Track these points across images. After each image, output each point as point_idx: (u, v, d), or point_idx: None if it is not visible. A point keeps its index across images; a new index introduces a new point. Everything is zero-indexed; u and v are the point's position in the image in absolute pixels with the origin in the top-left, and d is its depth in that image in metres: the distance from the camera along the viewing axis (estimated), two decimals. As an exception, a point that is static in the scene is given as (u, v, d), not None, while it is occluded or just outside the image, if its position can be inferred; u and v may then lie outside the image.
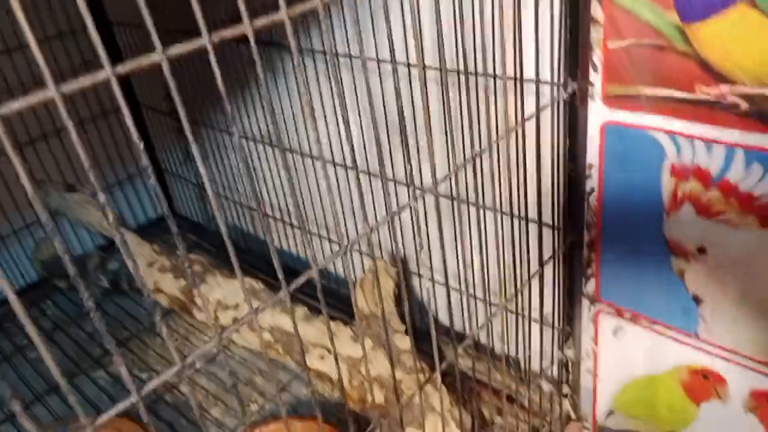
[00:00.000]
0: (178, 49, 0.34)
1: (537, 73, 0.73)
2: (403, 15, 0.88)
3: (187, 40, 0.35)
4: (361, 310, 0.95)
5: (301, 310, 0.96)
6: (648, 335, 0.87)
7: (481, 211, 0.68)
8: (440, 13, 0.51)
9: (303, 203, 1.21)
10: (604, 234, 0.84)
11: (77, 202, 1.19)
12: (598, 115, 0.76)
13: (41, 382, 1.24)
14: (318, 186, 1.17)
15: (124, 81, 1.50)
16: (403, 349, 0.86)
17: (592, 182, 0.82)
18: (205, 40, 0.35)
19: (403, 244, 1.09)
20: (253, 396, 1.12)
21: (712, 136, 0.68)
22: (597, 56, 0.73)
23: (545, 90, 0.77)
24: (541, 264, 0.82)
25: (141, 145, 0.36)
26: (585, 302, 0.92)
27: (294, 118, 1.15)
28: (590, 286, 0.90)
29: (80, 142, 0.32)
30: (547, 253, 0.86)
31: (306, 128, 1.12)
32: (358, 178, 0.50)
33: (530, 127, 0.76)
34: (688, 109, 0.69)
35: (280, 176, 1.24)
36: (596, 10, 0.71)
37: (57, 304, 1.49)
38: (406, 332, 0.90)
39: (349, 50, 0.98)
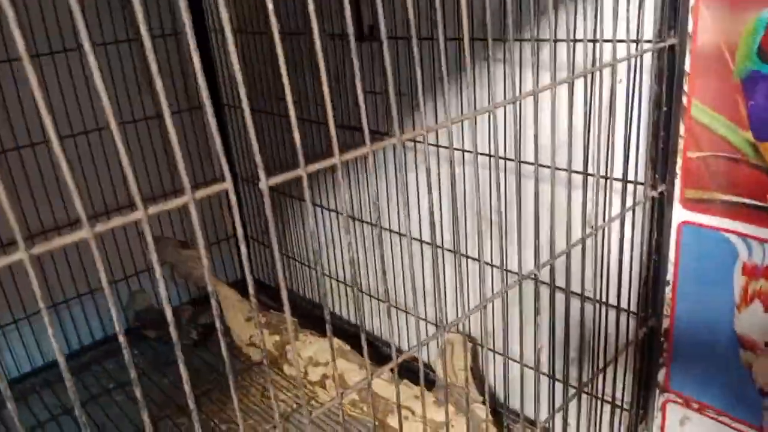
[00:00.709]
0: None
1: (625, 174, 0.84)
2: (505, 115, 1.01)
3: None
4: (441, 379, 1.03)
5: (385, 373, 1.04)
6: (714, 427, 0.91)
7: (563, 295, 0.77)
8: (538, 115, 0.63)
9: (394, 282, 1.31)
10: (676, 325, 0.92)
11: (189, 258, 1.32)
12: (676, 215, 0.86)
13: (126, 424, 1.34)
14: (402, 263, 1.27)
15: (226, 152, 1.68)
16: (482, 418, 0.93)
17: (668, 275, 0.90)
18: (336, 160, 0.47)
19: (483, 321, 1.18)
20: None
21: (782, 240, 0.77)
22: (677, 164, 0.83)
23: (633, 188, 0.87)
24: (618, 349, 0.89)
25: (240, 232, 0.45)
26: (654, 390, 0.98)
27: (387, 200, 1.28)
28: (660, 375, 0.96)
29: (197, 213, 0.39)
30: (624, 339, 0.93)
31: (398, 210, 1.24)
32: (456, 262, 0.61)
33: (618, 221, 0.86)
34: (759, 215, 0.78)
35: (372, 254, 1.36)
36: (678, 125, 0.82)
37: (142, 352, 1.60)
38: (484, 403, 0.97)
39: (463, 145, 1.11)
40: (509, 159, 1.02)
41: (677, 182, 0.84)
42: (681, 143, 0.82)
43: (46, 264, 1.46)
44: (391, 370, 0.56)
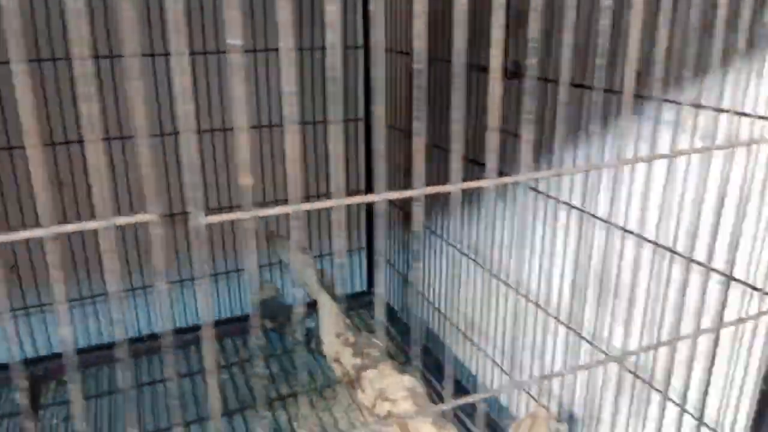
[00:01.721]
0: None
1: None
2: (630, 191, 0.89)
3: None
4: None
5: (453, 430, 0.97)
6: None
7: (659, 396, 0.65)
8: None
9: (495, 330, 1.23)
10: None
11: (302, 263, 1.35)
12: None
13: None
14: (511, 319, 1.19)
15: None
16: None
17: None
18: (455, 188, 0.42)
19: (573, 401, 1.06)
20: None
21: None
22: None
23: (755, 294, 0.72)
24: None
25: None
26: None
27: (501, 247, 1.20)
28: None
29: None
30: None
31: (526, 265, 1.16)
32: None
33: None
34: None
35: (484, 299, 1.29)
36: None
37: (260, 338, 1.68)
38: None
39: (597, 210, 1.01)
40: (630, 232, 0.89)
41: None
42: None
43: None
44: None
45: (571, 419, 1.07)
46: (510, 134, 1.12)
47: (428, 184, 0.43)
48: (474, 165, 1.24)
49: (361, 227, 1.82)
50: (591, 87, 0.92)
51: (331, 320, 1.23)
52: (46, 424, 1.38)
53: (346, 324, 1.22)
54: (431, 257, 1.52)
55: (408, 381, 1.07)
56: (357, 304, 1.82)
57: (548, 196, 1.10)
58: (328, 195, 1.70)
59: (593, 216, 0.99)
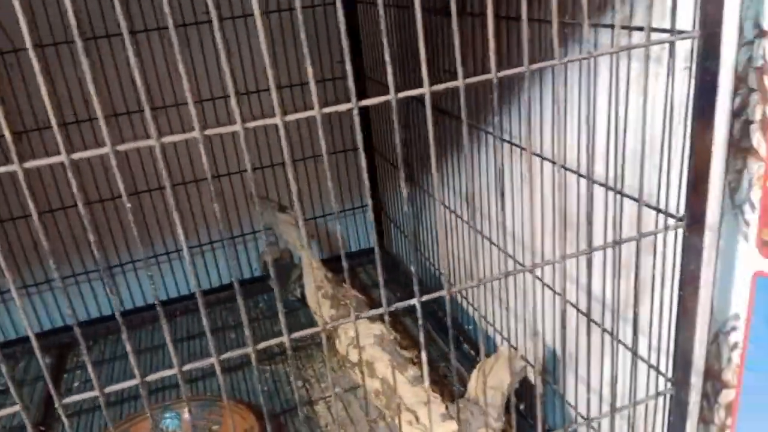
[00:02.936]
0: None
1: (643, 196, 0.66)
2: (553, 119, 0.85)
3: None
4: (469, 392, 0.94)
5: (412, 371, 0.98)
6: None
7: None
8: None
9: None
10: (742, 397, 0.71)
11: (283, 221, 1.38)
12: (750, 260, 0.65)
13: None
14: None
15: (365, 122, 1.69)
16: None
17: (737, 336, 0.70)
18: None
19: (544, 347, 1.04)
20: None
21: None
22: (755, 194, 0.63)
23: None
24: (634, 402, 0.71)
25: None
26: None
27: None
28: (724, 456, 0.76)
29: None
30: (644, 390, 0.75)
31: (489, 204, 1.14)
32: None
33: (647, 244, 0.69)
34: None
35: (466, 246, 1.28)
36: (759, 144, 0.61)
37: (267, 300, 1.73)
38: None
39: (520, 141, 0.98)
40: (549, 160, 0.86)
41: (754, 219, 0.64)
42: (762, 168, 0.62)
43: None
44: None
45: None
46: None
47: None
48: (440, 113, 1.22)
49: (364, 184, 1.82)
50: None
51: (311, 274, 1.25)
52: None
53: (327, 278, 1.24)
54: (426, 214, 1.51)
55: (377, 329, 1.08)
56: (367, 260, 1.84)
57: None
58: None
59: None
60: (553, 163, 0.75)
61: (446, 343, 1.40)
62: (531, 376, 1.06)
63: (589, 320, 0.82)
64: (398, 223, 1.73)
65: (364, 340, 1.05)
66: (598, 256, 0.78)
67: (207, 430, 1.18)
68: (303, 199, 1.70)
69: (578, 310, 0.88)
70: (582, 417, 0.96)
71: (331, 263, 1.63)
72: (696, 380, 0.66)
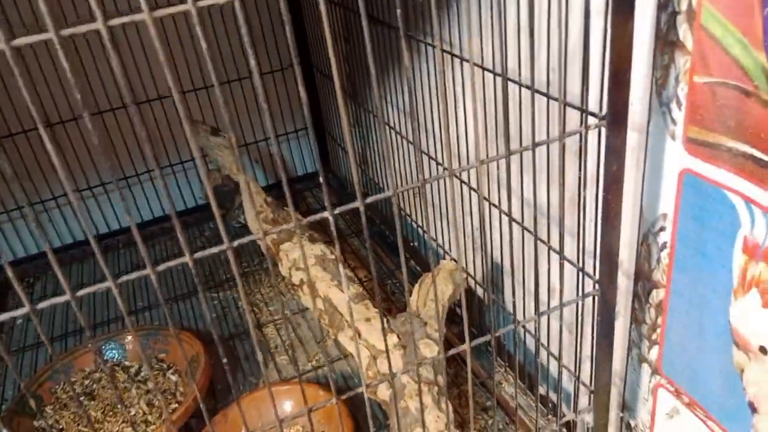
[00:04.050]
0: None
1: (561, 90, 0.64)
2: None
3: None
4: (411, 306, 0.94)
5: (355, 289, 0.97)
6: (702, 429, 0.73)
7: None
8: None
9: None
10: (671, 297, 0.72)
11: (217, 145, 1.32)
12: (677, 159, 0.64)
13: (165, 292, 1.44)
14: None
15: (301, 41, 1.61)
16: (426, 356, 0.83)
17: (666, 236, 0.70)
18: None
19: (492, 257, 1.04)
20: (318, 356, 1.18)
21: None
22: (681, 90, 0.61)
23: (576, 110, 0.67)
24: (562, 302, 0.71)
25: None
26: (646, 369, 0.80)
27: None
28: (653, 354, 0.77)
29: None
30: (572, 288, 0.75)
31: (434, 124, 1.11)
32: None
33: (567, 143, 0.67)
34: (765, 174, 0.55)
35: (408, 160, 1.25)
36: (686, 37, 0.59)
37: (212, 228, 1.70)
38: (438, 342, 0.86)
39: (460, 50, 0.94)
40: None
41: (681, 116, 0.62)
42: (689, 62, 0.60)
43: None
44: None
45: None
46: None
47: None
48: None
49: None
50: None
51: (251, 200, 1.22)
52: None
53: (267, 202, 1.20)
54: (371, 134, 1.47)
55: (318, 249, 1.06)
56: (313, 184, 1.81)
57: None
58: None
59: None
60: (470, 63, 0.72)
61: (393, 262, 1.40)
62: (476, 288, 1.06)
63: (512, 220, 0.81)
64: (344, 144, 1.69)
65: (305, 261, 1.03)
66: (527, 159, 0.77)
67: (153, 359, 1.17)
68: (243, 122, 1.63)
69: (505, 214, 0.87)
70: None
71: (278, 189, 1.59)
72: (624, 282, 0.66)
